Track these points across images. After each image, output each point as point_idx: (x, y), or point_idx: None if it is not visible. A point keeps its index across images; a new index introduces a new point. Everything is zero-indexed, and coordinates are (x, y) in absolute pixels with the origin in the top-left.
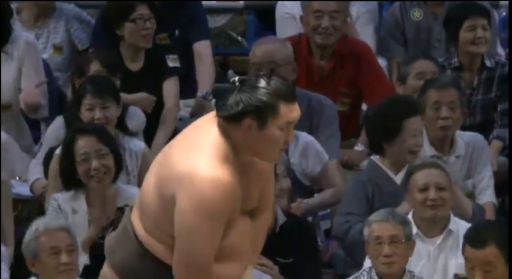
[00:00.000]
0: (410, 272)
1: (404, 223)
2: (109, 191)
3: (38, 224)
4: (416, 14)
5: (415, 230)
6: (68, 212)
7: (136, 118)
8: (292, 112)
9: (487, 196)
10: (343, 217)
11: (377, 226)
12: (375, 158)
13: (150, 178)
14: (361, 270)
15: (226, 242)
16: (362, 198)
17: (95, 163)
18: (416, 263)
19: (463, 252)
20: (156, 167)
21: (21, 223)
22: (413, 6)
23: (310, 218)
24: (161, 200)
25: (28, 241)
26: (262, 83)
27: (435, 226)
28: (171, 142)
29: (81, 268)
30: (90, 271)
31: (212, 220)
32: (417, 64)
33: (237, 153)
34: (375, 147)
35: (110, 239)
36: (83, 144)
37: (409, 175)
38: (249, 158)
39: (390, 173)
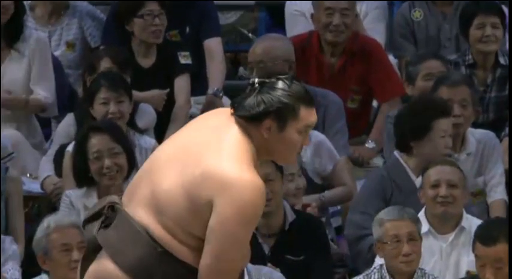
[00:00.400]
0: (421, 269)
1: (417, 219)
2: (121, 189)
3: (49, 221)
4: (417, 14)
5: (427, 226)
6: (80, 208)
7: (147, 116)
8: (311, 115)
9: (498, 193)
10: (357, 216)
11: (393, 224)
12: (399, 155)
13: (170, 177)
14: (371, 268)
15: None
16: (379, 195)
17: (107, 162)
18: (429, 260)
19: (473, 250)
20: (176, 166)
21: (32, 220)
22: (414, 6)
23: (323, 219)
24: (190, 203)
25: (39, 238)
26: (283, 85)
27: (447, 223)
28: (184, 138)
29: None
30: None
31: (251, 226)
32: (426, 64)
33: (255, 152)
34: (402, 146)
35: (110, 238)
36: (96, 142)
37: (423, 172)
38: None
39: (411, 174)
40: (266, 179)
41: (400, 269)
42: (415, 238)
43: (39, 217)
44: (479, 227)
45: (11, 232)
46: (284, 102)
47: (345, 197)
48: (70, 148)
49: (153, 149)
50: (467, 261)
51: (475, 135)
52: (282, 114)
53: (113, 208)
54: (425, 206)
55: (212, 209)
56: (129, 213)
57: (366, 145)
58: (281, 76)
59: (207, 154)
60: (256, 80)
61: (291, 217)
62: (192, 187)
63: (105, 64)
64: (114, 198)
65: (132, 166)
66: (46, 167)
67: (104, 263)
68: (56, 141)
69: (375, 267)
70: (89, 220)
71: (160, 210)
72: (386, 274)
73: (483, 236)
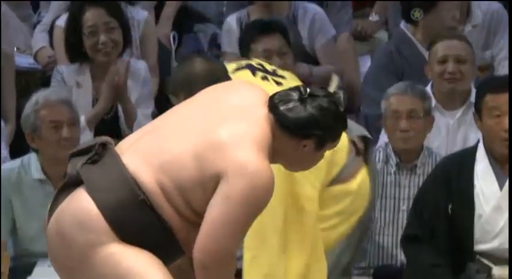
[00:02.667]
0: (428, 148)
1: (424, 96)
2: (116, 65)
3: (38, 97)
4: None
5: (433, 102)
6: (72, 85)
7: None
8: (341, 138)
9: (506, 68)
10: (373, 93)
11: (395, 99)
12: (405, 27)
13: (184, 139)
14: (376, 146)
15: None
16: (391, 71)
17: (102, 37)
18: (435, 137)
19: (479, 106)
20: (194, 130)
21: (19, 96)
22: None
23: None
24: (198, 172)
25: (27, 115)
26: (336, 108)
27: (455, 99)
28: (208, 103)
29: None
30: None
31: (253, 211)
32: None
33: (271, 155)
34: (409, 17)
35: (93, 173)
36: (91, 16)
37: (430, 46)
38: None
39: (420, 46)
40: (280, 53)
41: (398, 146)
42: (416, 115)
43: (27, 93)
44: (484, 82)
45: (1, 110)
46: (332, 126)
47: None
48: (61, 22)
49: (145, 21)
50: (475, 138)
51: (481, 6)
52: (325, 138)
53: (104, 146)
54: (431, 82)
55: (218, 186)
56: (121, 157)
57: (370, 18)
58: (332, 95)
59: (228, 131)
60: (309, 90)
61: None
62: (204, 157)
63: None
64: (108, 139)
65: (127, 41)
66: (40, 37)
67: (79, 197)
68: (52, 9)
69: (380, 146)
70: (76, 154)
71: (162, 166)
72: (392, 152)
73: (493, 86)
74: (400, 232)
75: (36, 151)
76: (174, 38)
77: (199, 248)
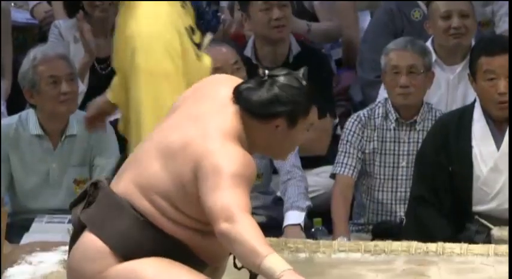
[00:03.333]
0: (428, 104)
1: (424, 52)
2: (112, 21)
3: (35, 53)
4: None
5: (434, 57)
6: (70, 40)
7: None
8: (314, 113)
9: (507, 23)
10: (369, 54)
11: (395, 54)
12: None
13: (155, 160)
14: (376, 102)
15: None
16: (390, 31)
17: None
18: (435, 92)
19: (474, 68)
20: (162, 152)
21: (16, 52)
22: None
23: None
24: (179, 177)
25: (25, 70)
26: (299, 83)
27: (456, 54)
28: (177, 111)
29: (80, 98)
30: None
31: (246, 181)
32: None
33: (248, 149)
34: None
35: (92, 214)
36: None
37: (429, 1)
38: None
39: (421, 3)
40: (280, 5)
41: (397, 102)
42: (416, 71)
43: (25, 48)
44: (479, 42)
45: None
46: (299, 101)
47: (332, 33)
48: None
49: None
50: (475, 93)
51: None
52: (295, 115)
53: (95, 185)
54: (432, 37)
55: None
56: (115, 187)
57: None
58: (293, 72)
59: (197, 131)
60: (267, 72)
61: (295, 49)
62: (177, 161)
63: None
64: (99, 178)
65: None
66: None
67: (84, 237)
68: None
69: (379, 102)
70: (75, 203)
71: (146, 187)
72: (391, 108)
73: (489, 48)
74: (399, 188)
75: (34, 106)
76: None
77: (210, 214)
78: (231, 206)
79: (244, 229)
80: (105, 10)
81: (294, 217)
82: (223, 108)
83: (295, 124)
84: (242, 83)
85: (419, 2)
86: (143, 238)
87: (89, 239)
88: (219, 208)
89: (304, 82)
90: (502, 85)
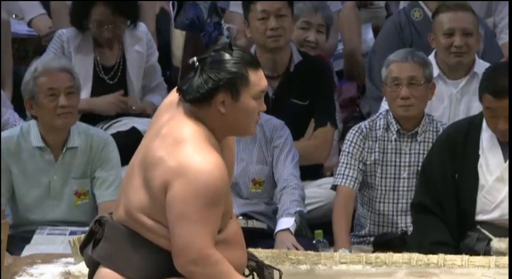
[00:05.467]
0: (429, 115)
1: (425, 63)
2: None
3: (37, 64)
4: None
5: (437, 71)
6: (72, 50)
7: None
8: (261, 79)
9: (507, 35)
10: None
11: (395, 66)
12: None
13: (134, 181)
14: (377, 114)
15: (229, 231)
16: (398, 44)
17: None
18: (438, 106)
19: (480, 100)
20: (137, 170)
21: (17, 63)
22: None
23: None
24: (148, 189)
25: (27, 81)
26: (226, 56)
27: (458, 70)
28: (141, 145)
29: None
30: None
31: (216, 206)
32: None
33: (214, 136)
34: None
35: (102, 250)
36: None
37: (434, 15)
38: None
39: (428, 11)
40: (277, 15)
41: (398, 113)
42: (417, 82)
43: (26, 60)
44: (487, 76)
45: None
46: (232, 71)
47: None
48: None
49: None
50: (478, 107)
51: None
52: (233, 84)
53: (100, 222)
54: (435, 50)
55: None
56: (115, 217)
57: None
58: (218, 48)
59: (163, 150)
60: (195, 59)
61: (297, 58)
62: (147, 175)
63: None
64: (101, 215)
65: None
66: (34, 4)
67: (101, 273)
68: None
69: (380, 113)
70: (85, 245)
71: (129, 207)
72: (392, 120)
73: (494, 88)
74: (401, 200)
75: (36, 118)
76: (173, 5)
77: (173, 253)
78: (198, 247)
79: (214, 272)
80: (112, 30)
81: (283, 222)
82: (180, 116)
83: (238, 94)
84: (181, 81)
85: (419, 2)
86: (151, 260)
87: (106, 273)
88: (185, 247)
89: (231, 53)
90: (501, 123)
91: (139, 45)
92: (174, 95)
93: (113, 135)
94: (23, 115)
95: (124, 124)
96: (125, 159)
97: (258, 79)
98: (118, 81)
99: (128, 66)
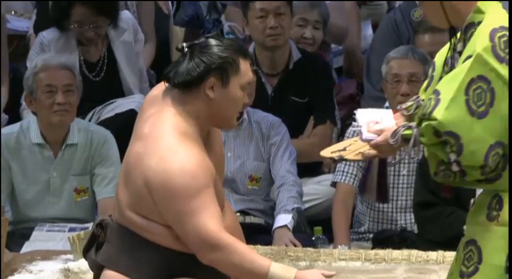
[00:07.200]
0: None
1: (425, 60)
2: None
3: (38, 60)
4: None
5: None
6: (52, 51)
7: None
8: (249, 70)
9: (508, 35)
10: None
11: (396, 63)
12: None
13: (122, 178)
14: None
15: (226, 224)
16: (395, 43)
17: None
18: None
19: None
20: (124, 166)
21: (17, 60)
22: None
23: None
24: (139, 192)
25: (27, 77)
26: (217, 42)
27: None
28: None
29: None
30: None
31: (203, 190)
32: None
33: (197, 127)
34: None
35: (105, 253)
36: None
37: (417, 33)
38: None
39: None
40: (276, 13)
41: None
42: (417, 79)
43: (25, 56)
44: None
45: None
46: (223, 56)
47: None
48: None
49: None
50: None
51: None
52: (224, 69)
53: (101, 225)
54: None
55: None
56: (115, 217)
57: None
58: (209, 35)
59: (141, 143)
60: (185, 44)
61: (296, 55)
62: (130, 171)
63: None
64: (102, 217)
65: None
66: None
67: (106, 275)
68: None
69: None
70: (88, 249)
71: (120, 205)
72: None
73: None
74: (400, 197)
75: (36, 114)
76: (172, 2)
77: (193, 251)
78: (208, 234)
79: (233, 252)
80: (93, 30)
81: (281, 219)
82: (161, 103)
83: (228, 80)
84: (165, 68)
85: (419, 2)
86: (154, 260)
87: (110, 276)
88: (197, 240)
89: (221, 40)
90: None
91: (125, 34)
92: (157, 90)
93: (112, 118)
94: (16, 118)
95: (118, 105)
96: (126, 142)
97: (247, 70)
98: (105, 76)
99: (117, 59)
